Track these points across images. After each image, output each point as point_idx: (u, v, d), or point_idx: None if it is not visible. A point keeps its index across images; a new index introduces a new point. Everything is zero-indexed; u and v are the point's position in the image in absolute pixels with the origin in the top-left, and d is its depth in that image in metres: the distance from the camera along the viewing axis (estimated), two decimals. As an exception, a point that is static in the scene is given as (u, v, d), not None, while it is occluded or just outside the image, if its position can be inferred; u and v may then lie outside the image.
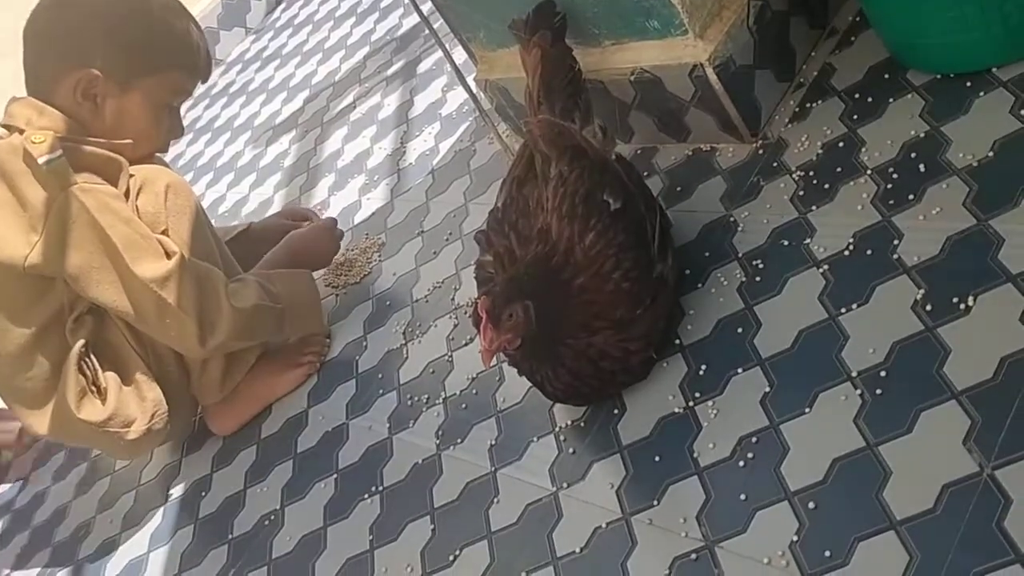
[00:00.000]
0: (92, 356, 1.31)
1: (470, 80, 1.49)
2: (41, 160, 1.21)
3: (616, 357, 0.95)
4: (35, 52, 1.33)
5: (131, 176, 1.30)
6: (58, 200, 1.22)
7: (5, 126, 1.31)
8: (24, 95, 1.33)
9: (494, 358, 0.94)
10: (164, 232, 1.29)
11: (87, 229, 1.23)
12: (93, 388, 1.30)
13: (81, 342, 1.29)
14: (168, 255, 1.27)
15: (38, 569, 1.52)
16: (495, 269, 1.01)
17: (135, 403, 1.33)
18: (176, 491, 1.43)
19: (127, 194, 1.28)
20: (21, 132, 1.27)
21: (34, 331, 1.29)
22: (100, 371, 1.31)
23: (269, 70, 2.67)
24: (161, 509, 1.43)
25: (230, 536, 1.27)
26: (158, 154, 1.44)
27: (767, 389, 0.91)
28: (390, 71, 2.08)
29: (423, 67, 1.98)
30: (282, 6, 3.09)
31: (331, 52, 2.43)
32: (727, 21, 1.13)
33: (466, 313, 1.29)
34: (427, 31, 2.06)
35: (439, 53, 1.98)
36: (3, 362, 1.30)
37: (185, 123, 1.53)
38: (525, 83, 1.19)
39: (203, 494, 1.38)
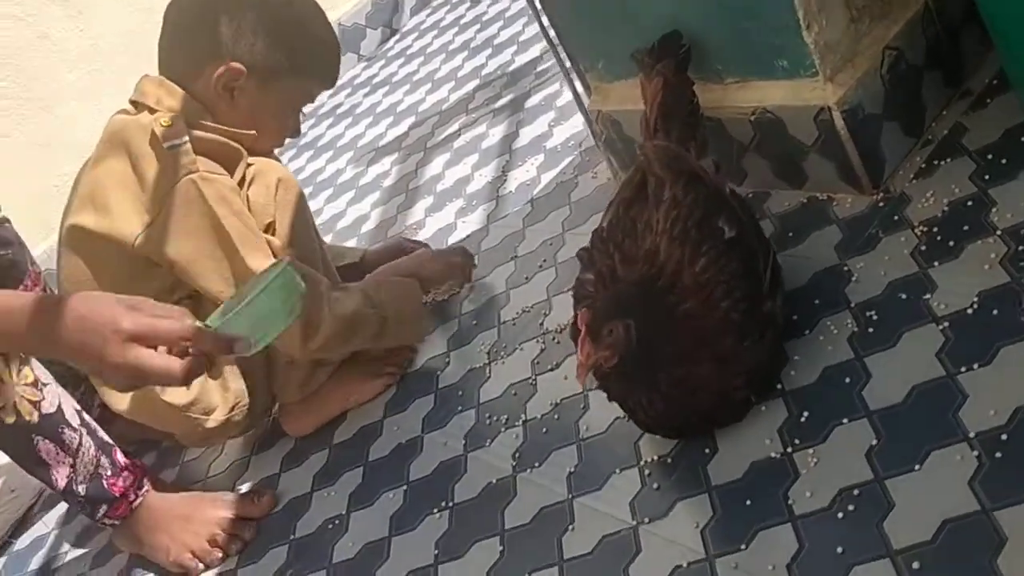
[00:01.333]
0: None
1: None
2: (166, 144, 1.23)
3: (714, 391, 0.92)
4: (179, 36, 1.33)
5: (249, 165, 1.31)
6: (177, 185, 1.23)
7: (134, 102, 1.32)
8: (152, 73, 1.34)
9: (587, 378, 0.91)
10: (270, 224, 1.30)
11: (203, 218, 1.24)
12: (180, 372, 1.30)
13: (175, 325, 1.30)
14: (274, 254, 1.27)
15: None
16: (596, 288, 0.99)
17: (218, 392, 1.33)
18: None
19: (241, 183, 1.30)
20: (151, 110, 1.28)
21: None
22: (189, 356, 1.31)
23: (378, 95, 2.72)
24: (226, 503, 1.42)
25: (292, 537, 1.25)
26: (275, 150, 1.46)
27: (874, 442, 0.86)
28: (498, 104, 2.09)
29: (531, 102, 1.99)
30: (396, 37, 3.16)
31: (440, 83, 2.46)
32: (860, 67, 1.10)
33: (555, 339, 1.26)
34: (538, 68, 2.09)
35: (549, 89, 1.99)
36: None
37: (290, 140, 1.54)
38: (640, 114, 1.17)
39: (269, 493, 1.37)
